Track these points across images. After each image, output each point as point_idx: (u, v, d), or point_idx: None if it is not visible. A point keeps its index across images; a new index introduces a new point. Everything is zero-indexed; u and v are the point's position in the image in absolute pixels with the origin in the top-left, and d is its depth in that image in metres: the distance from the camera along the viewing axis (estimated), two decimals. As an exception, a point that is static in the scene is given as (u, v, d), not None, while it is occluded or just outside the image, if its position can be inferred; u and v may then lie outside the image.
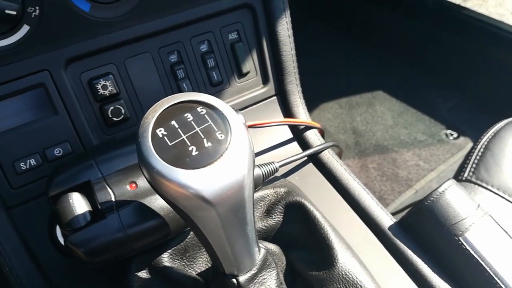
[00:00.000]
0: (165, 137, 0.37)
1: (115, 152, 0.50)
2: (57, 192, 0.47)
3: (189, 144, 0.36)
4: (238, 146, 0.37)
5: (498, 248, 0.57)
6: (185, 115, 0.38)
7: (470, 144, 1.68)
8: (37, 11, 0.51)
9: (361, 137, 1.71)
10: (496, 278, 0.55)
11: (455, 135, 1.69)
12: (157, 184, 0.36)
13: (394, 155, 1.63)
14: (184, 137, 0.37)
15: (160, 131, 0.37)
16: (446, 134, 1.70)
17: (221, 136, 0.37)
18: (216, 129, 0.38)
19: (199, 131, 0.37)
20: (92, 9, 0.55)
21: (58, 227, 0.55)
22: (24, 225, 0.54)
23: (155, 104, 0.39)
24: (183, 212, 0.38)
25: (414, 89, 1.88)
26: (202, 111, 0.39)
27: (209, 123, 0.38)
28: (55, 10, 0.52)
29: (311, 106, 1.86)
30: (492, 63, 1.66)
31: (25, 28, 0.51)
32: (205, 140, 0.37)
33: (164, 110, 0.38)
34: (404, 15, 1.91)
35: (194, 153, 0.36)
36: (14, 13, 0.49)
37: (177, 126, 0.37)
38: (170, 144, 0.36)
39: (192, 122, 0.38)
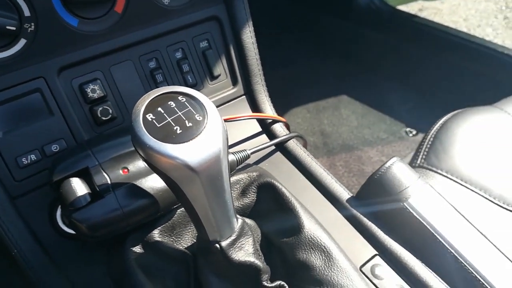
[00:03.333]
0: (154, 121, 0.45)
1: (108, 143, 0.58)
2: (60, 178, 0.54)
3: (174, 125, 0.45)
4: (214, 125, 0.46)
5: (437, 211, 0.68)
6: (169, 103, 0.47)
7: (428, 140, 1.82)
8: (33, 26, 0.59)
9: (328, 138, 1.83)
10: (436, 235, 0.65)
11: (414, 132, 1.83)
12: (150, 158, 0.44)
13: (360, 153, 1.75)
14: (169, 119, 0.46)
15: (149, 116, 0.46)
16: (406, 132, 1.84)
17: (199, 118, 0.46)
18: (195, 113, 0.47)
19: (181, 115, 0.46)
20: (79, 24, 0.63)
21: (58, 213, 0.62)
22: (27, 212, 0.61)
23: (143, 96, 0.47)
24: (173, 182, 0.46)
25: (375, 93, 2.02)
26: (182, 99, 0.48)
27: (188, 108, 0.47)
28: (48, 26, 0.60)
29: (281, 112, 1.97)
30: (446, 67, 1.82)
31: (22, 41, 0.59)
32: (186, 121, 0.46)
33: (151, 100, 0.47)
34: (365, 26, 2.05)
35: (178, 131, 0.45)
36: (14, 28, 0.56)
37: (163, 111, 0.46)
38: (158, 126, 0.45)
39: (175, 108, 0.47)
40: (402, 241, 0.67)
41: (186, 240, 0.65)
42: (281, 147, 0.79)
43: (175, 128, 0.45)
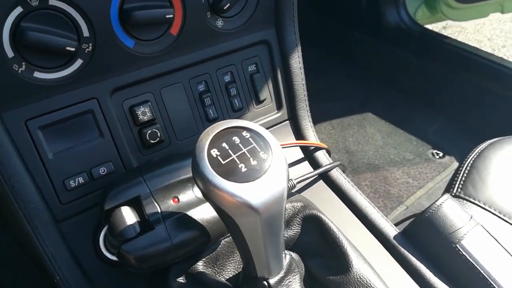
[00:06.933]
0: (218, 157, 0.44)
1: (159, 170, 0.57)
2: (112, 207, 0.53)
3: (239, 162, 0.44)
4: (278, 164, 0.45)
5: (490, 253, 0.65)
6: (233, 138, 0.46)
7: (455, 163, 1.78)
8: (90, 47, 0.58)
9: (353, 156, 1.80)
10: (490, 280, 0.63)
11: (441, 154, 1.79)
12: (212, 195, 0.43)
13: (385, 173, 1.72)
14: (234, 156, 0.44)
15: (214, 151, 0.44)
16: (433, 154, 1.81)
17: (264, 156, 0.45)
18: (259, 150, 0.45)
19: (246, 152, 0.45)
20: (135, 46, 0.62)
21: (101, 238, 0.61)
22: (70, 236, 0.60)
23: (207, 130, 0.46)
24: (231, 219, 0.44)
25: (401, 113, 1.99)
26: (246, 135, 0.46)
27: (253, 145, 0.45)
28: (105, 46, 0.59)
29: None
30: (472, 88, 1.78)
31: (78, 62, 0.58)
32: (251, 159, 0.44)
33: (215, 134, 0.46)
34: (393, 45, 2.03)
35: (243, 169, 0.43)
36: (73, 49, 0.56)
37: (227, 147, 0.45)
38: (223, 162, 0.43)
39: (240, 144, 0.45)
40: (452, 284, 0.64)
41: (228, 271, 0.63)
42: (324, 175, 0.78)
43: (240, 166, 0.43)
